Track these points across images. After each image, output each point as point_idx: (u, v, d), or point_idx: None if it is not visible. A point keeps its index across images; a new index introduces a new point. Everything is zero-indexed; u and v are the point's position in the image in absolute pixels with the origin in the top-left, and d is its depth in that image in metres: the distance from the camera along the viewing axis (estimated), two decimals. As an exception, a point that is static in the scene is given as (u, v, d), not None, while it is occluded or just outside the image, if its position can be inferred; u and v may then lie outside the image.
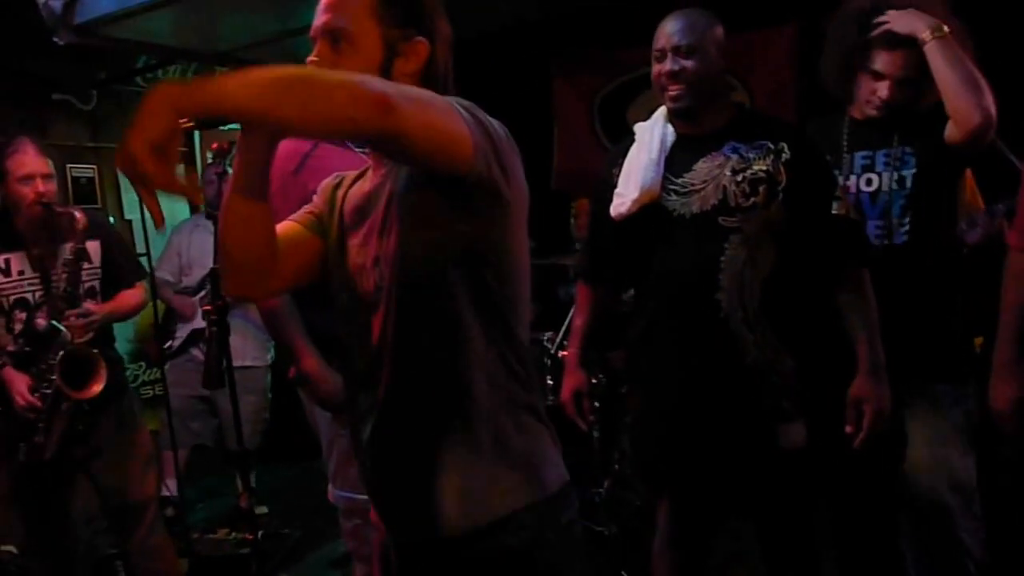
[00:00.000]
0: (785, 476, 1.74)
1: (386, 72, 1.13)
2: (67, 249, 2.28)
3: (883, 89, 1.80)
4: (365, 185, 1.22)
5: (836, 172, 1.86)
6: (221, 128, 0.98)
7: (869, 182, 1.88)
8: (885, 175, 1.85)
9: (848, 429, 1.72)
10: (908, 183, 1.82)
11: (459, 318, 1.09)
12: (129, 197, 4.13)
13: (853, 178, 1.90)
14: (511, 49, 3.71)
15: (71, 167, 3.87)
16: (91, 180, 4.01)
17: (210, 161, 4.21)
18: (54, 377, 2.18)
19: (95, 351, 2.27)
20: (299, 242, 1.22)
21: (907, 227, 1.82)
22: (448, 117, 1.00)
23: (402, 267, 1.10)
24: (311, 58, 1.13)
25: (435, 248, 1.08)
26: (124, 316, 2.51)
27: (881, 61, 1.79)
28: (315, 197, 1.29)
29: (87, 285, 2.35)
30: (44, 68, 3.61)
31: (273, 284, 1.21)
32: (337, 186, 1.28)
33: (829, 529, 1.99)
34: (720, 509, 1.87)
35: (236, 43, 3.25)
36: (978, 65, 1.72)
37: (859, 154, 1.89)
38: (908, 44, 1.74)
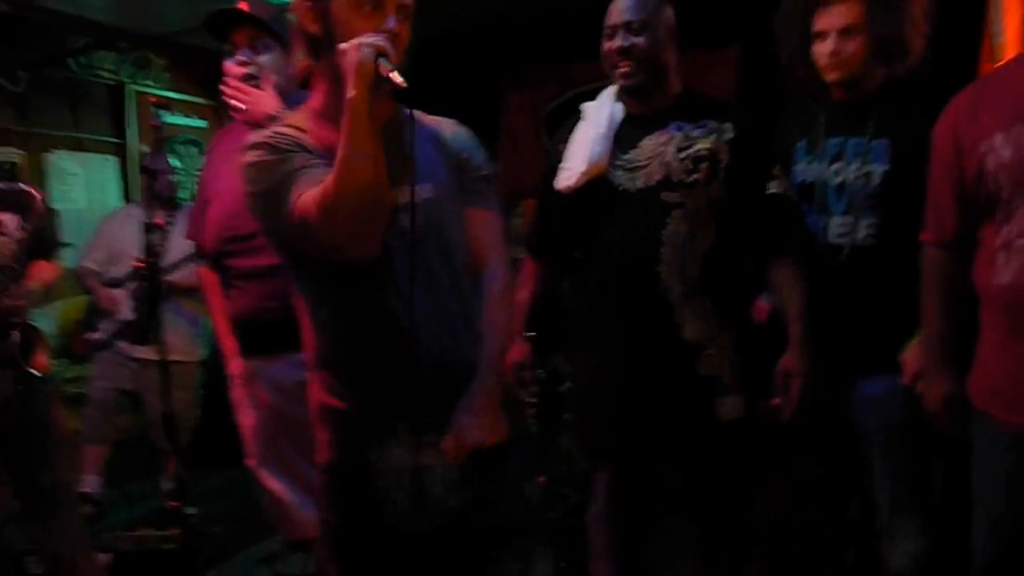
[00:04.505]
0: (722, 447, 1.77)
1: None
2: None
3: (829, 44, 1.77)
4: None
5: (811, 158, 1.85)
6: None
7: (836, 173, 1.82)
8: (852, 167, 1.80)
9: (776, 401, 1.75)
10: (875, 179, 1.76)
11: None
12: (55, 185, 3.96)
13: (824, 167, 1.84)
14: (460, 58, 3.73)
15: (-7, 151, 3.69)
16: (15, 165, 3.83)
17: (146, 152, 4.10)
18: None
19: (36, 327, 2.25)
20: None
21: (872, 228, 1.76)
22: None
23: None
24: (391, 27, 1.22)
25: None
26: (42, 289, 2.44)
27: (821, 21, 1.78)
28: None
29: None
30: (-29, 47, 3.46)
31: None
32: None
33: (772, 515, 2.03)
34: (658, 480, 1.88)
35: (178, 26, 3.18)
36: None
37: (832, 141, 1.83)
38: None
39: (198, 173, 4.64)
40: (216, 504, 3.51)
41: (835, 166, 1.82)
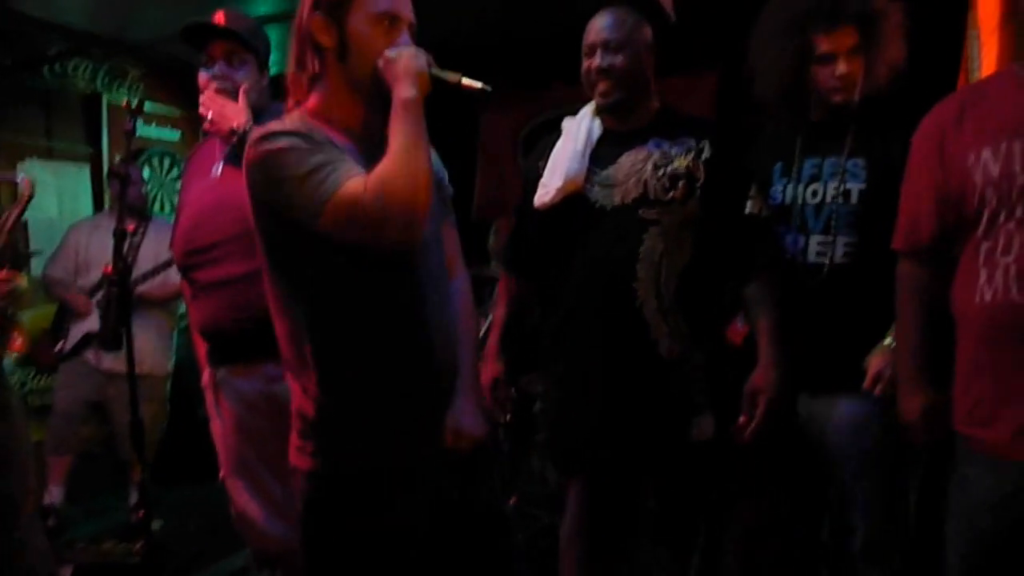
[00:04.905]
0: (693, 466, 1.78)
1: None
2: None
3: (840, 66, 1.75)
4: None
5: (788, 179, 1.86)
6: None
7: (815, 193, 1.82)
8: (830, 186, 1.80)
9: (742, 420, 1.74)
10: (853, 198, 1.77)
11: None
12: (25, 194, 3.89)
13: (801, 187, 1.84)
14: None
15: (-39, 158, 3.63)
16: (-16, 174, 3.76)
17: (119, 159, 4.05)
18: None
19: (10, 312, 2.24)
20: None
21: (850, 247, 1.77)
22: None
23: None
24: (407, 39, 1.34)
25: None
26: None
27: (826, 43, 1.75)
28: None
29: None
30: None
31: None
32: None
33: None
34: (630, 496, 1.88)
35: (154, 34, 3.16)
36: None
37: (809, 161, 1.84)
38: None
39: (170, 185, 4.60)
40: (183, 518, 3.44)
41: (813, 186, 1.83)
